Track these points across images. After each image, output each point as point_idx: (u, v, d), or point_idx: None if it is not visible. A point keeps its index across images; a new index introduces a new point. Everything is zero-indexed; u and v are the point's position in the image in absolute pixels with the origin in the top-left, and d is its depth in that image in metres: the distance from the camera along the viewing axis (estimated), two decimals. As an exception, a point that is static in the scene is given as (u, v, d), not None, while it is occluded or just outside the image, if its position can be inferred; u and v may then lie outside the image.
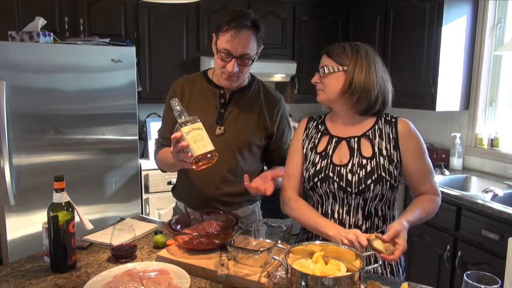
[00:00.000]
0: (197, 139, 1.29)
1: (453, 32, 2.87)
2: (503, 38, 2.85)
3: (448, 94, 2.94)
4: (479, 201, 2.26)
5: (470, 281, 0.94)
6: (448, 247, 2.41)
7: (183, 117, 1.30)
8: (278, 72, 3.63)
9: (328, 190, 1.37)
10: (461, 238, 2.36)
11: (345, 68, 1.33)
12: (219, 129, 1.60)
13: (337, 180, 1.35)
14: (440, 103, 2.91)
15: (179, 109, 1.31)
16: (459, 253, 2.34)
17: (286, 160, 1.56)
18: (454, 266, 2.39)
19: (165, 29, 3.27)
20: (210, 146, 1.31)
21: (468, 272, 0.96)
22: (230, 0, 3.39)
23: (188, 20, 3.34)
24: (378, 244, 1.17)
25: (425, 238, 2.54)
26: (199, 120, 1.33)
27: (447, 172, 2.90)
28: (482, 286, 0.92)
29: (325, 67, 1.36)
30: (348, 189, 1.33)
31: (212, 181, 1.61)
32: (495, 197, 2.38)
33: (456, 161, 3.04)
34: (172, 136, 1.29)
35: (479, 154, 2.99)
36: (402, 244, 1.18)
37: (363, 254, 1.11)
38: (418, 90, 3.02)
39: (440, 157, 3.14)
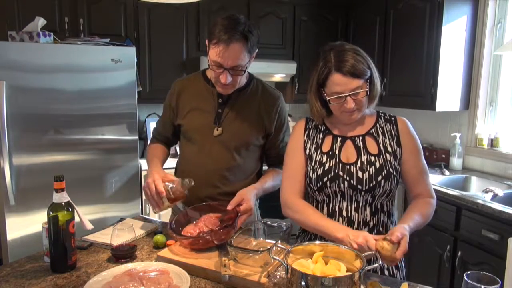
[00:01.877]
0: (169, 206, 1.50)
1: (453, 32, 2.87)
2: (503, 38, 2.85)
3: (448, 94, 2.94)
4: (479, 201, 2.26)
5: (470, 281, 0.94)
6: (448, 247, 2.41)
7: (176, 195, 1.45)
8: (278, 72, 3.63)
9: (337, 190, 1.36)
10: (461, 238, 2.36)
11: (369, 78, 1.32)
12: (217, 130, 1.60)
13: (347, 178, 1.34)
14: (440, 103, 2.91)
15: (185, 186, 1.46)
16: (459, 253, 2.34)
17: (282, 159, 1.57)
18: (454, 266, 2.39)
19: (165, 29, 3.27)
20: (171, 206, 1.53)
21: (468, 272, 0.96)
22: (230, 0, 3.39)
23: (188, 20, 3.34)
24: (385, 246, 1.17)
25: (425, 238, 2.54)
26: (186, 195, 1.49)
27: (447, 172, 2.90)
28: (482, 286, 0.92)
29: (366, 91, 1.30)
30: (359, 186, 1.34)
31: (211, 181, 1.62)
32: (495, 197, 2.38)
33: (456, 161, 3.03)
34: (159, 190, 1.43)
35: (479, 154, 2.99)
36: (404, 245, 1.18)
37: (364, 254, 1.11)
38: (418, 90, 3.02)
39: (440, 157, 3.14)
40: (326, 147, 1.41)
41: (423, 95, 2.99)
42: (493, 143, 2.90)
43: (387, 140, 1.39)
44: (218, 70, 1.49)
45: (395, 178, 1.36)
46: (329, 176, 1.36)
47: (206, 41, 1.52)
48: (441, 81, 2.88)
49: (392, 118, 1.44)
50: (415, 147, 1.41)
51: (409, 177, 1.41)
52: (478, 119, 2.99)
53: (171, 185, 1.45)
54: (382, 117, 1.44)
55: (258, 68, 3.30)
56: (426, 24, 2.93)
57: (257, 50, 1.55)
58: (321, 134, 1.44)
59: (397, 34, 3.23)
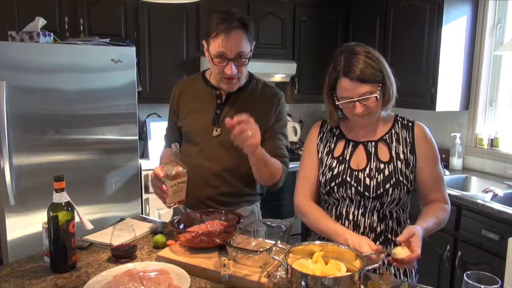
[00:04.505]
0: (176, 190, 1.42)
1: (453, 32, 2.87)
2: (503, 38, 2.85)
3: (448, 94, 2.94)
4: (479, 201, 2.26)
5: (470, 281, 0.93)
6: (448, 247, 2.41)
7: (173, 171, 1.40)
8: (278, 72, 3.63)
9: (344, 195, 1.36)
10: (461, 238, 2.36)
11: (381, 82, 1.29)
12: (216, 130, 1.60)
13: (355, 185, 1.34)
14: (440, 103, 2.91)
15: (174, 155, 1.43)
16: (459, 253, 2.35)
17: (276, 155, 1.56)
18: (454, 266, 2.39)
19: (165, 29, 3.27)
20: (182, 196, 1.46)
21: (468, 272, 0.96)
22: (230, 0, 3.39)
23: (188, 20, 3.34)
24: (399, 253, 1.15)
25: (425, 238, 2.54)
26: (186, 173, 1.44)
27: (447, 172, 2.90)
28: (482, 286, 0.92)
29: (375, 96, 1.27)
30: (366, 193, 1.33)
31: (210, 181, 1.62)
32: (495, 197, 2.38)
33: (456, 161, 3.04)
34: (156, 173, 1.39)
35: (479, 154, 2.99)
36: (416, 250, 1.16)
37: (363, 254, 1.11)
38: (418, 90, 3.02)
39: (440, 157, 3.13)
40: (337, 152, 1.41)
41: (423, 95, 2.99)
42: (493, 143, 2.90)
43: (401, 147, 1.36)
44: (221, 63, 1.47)
45: (405, 187, 1.33)
46: (337, 181, 1.36)
47: (204, 42, 1.51)
48: (441, 81, 2.88)
49: (409, 124, 1.40)
50: (431, 155, 1.38)
51: (424, 185, 1.38)
52: (478, 119, 2.99)
53: (167, 167, 1.43)
54: (399, 122, 1.41)
55: (258, 68, 3.30)
56: (426, 24, 2.93)
57: (254, 42, 1.54)
58: (334, 138, 1.44)
59: (397, 34, 3.23)
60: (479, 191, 2.52)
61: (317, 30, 3.77)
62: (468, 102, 3.02)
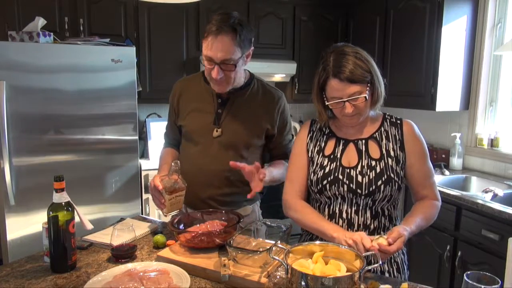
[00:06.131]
0: (173, 202, 1.49)
1: (453, 32, 2.87)
2: (503, 38, 2.85)
3: (448, 94, 2.94)
4: (479, 201, 2.26)
5: (470, 281, 0.94)
6: (448, 247, 2.41)
7: (172, 185, 1.46)
8: (278, 72, 3.63)
9: (337, 193, 1.36)
10: (461, 238, 2.36)
11: (370, 82, 1.30)
12: (216, 131, 1.60)
13: (347, 182, 1.34)
14: (440, 103, 2.91)
15: (174, 171, 1.48)
16: (459, 253, 2.35)
17: (286, 155, 1.56)
18: (454, 266, 2.39)
19: (165, 29, 3.27)
20: (180, 206, 1.53)
21: (468, 272, 0.96)
22: (230, 0, 3.39)
23: (188, 20, 3.34)
24: (382, 241, 1.17)
25: (425, 238, 2.54)
26: (185, 187, 1.50)
27: (447, 172, 2.90)
28: (482, 286, 0.92)
29: (365, 96, 1.28)
30: (358, 191, 1.33)
31: (212, 181, 1.62)
32: (495, 197, 2.38)
33: (456, 161, 3.04)
34: (155, 185, 1.46)
35: (479, 154, 2.99)
36: (399, 244, 1.18)
37: (364, 254, 1.11)
38: (418, 90, 3.02)
39: (440, 157, 3.14)
40: (328, 150, 1.42)
41: (423, 95, 2.99)
42: (493, 143, 2.90)
43: (391, 144, 1.38)
44: (209, 65, 1.48)
45: (396, 184, 1.35)
46: (329, 179, 1.36)
47: (202, 41, 1.53)
48: (441, 81, 2.88)
49: (398, 122, 1.42)
50: (420, 151, 1.39)
51: (415, 181, 1.40)
52: (478, 119, 2.99)
53: (166, 179, 1.47)
54: (387, 120, 1.42)
55: (258, 68, 3.30)
56: (426, 24, 2.93)
57: (251, 48, 1.54)
58: (324, 136, 1.44)
59: (397, 34, 3.23)
60: (479, 191, 2.52)
61: (317, 30, 3.77)
62: (468, 102, 3.02)
